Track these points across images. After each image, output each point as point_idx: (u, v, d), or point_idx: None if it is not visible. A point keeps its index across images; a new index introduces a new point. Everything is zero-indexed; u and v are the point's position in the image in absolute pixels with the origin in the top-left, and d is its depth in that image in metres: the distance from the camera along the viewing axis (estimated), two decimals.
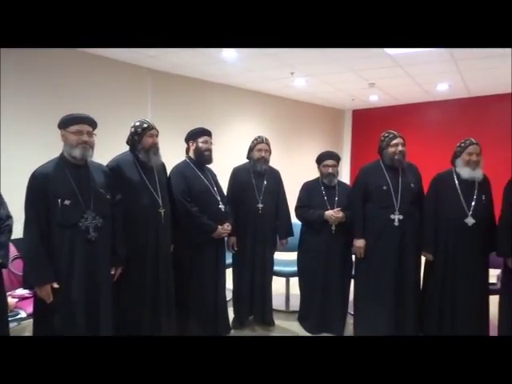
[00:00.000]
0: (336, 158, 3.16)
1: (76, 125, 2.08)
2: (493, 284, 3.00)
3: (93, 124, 2.16)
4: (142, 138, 2.44)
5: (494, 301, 2.86)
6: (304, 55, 4.19)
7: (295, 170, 5.82)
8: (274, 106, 6.64)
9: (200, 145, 2.83)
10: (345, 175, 7.93)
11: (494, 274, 3.02)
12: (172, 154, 2.89)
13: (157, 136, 2.50)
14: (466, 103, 6.62)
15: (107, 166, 2.38)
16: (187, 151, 2.94)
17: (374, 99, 6.91)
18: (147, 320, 2.42)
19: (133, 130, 2.48)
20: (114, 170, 2.37)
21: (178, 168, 2.84)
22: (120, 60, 4.41)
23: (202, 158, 2.85)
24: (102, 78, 4.29)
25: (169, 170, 2.79)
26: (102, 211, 2.14)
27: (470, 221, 2.72)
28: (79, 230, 2.05)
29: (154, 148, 2.47)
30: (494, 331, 2.86)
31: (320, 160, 3.17)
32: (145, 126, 2.46)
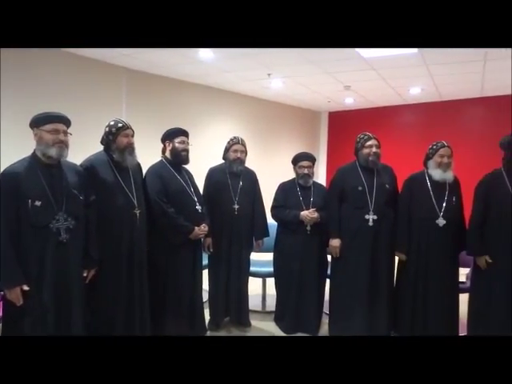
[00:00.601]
0: (311, 159, 3.19)
1: (51, 123, 2.03)
2: (462, 283, 3.08)
3: (68, 123, 2.11)
4: (116, 138, 2.40)
5: (463, 299, 2.95)
6: (280, 56, 4.22)
7: (272, 171, 5.85)
8: (251, 106, 6.65)
9: (177, 145, 2.80)
10: (321, 176, 8.03)
11: (463, 273, 3.10)
12: (148, 154, 2.86)
13: (132, 136, 2.46)
14: (438, 107, 6.82)
15: (81, 165, 2.32)
16: (163, 151, 2.91)
17: (350, 101, 7.03)
18: (121, 320, 2.38)
19: (107, 129, 2.43)
20: (88, 170, 2.32)
21: (153, 168, 2.80)
22: (93, 58, 4.32)
23: (178, 159, 2.82)
24: (75, 76, 4.20)
25: (144, 170, 2.76)
26: (74, 212, 2.08)
27: (440, 221, 2.79)
28: (50, 231, 1.99)
29: (130, 148, 2.42)
30: (463, 329, 2.95)
31: (296, 161, 3.20)
32: (120, 125, 2.42)
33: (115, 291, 2.35)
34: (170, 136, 2.82)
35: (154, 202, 2.66)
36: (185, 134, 2.85)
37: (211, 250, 3.01)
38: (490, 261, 2.67)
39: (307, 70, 4.80)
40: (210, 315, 3.18)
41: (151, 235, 2.65)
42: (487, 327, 2.72)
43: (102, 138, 2.46)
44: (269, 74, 5.06)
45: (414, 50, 3.91)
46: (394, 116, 7.38)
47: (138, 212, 2.44)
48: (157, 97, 5.14)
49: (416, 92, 6.09)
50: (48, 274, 1.99)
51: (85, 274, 2.20)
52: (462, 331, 2.97)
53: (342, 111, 7.97)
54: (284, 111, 7.39)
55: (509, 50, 3.83)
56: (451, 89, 5.87)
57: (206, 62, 4.52)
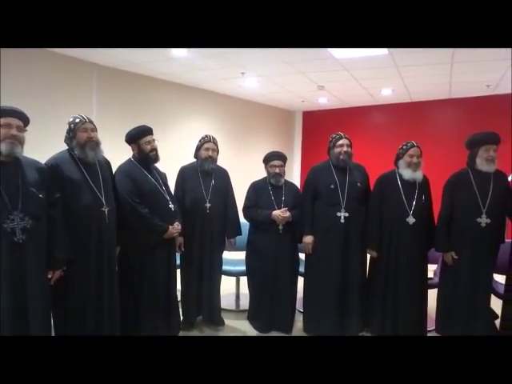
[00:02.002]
0: (283, 159, 3.19)
1: (4, 118, 1.94)
2: (430, 279, 3.17)
3: (24, 119, 2.03)
4: (76, 134, 2.33)
5: (431, 295, 3.03)
6: (254, 56, 4.21)
7: (247, 170, 5.84)
8: (225, 105, 6.62)
9: (143, 147, 2.72)
10: (295, 175, 8.09)
11: (431, 270, 3.19)
12: (119, 152, 2.79)
13: (93, 130, 2.37)
14: (409, 107, 6.97)
15: (45, 164, 2.24)
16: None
17: (323, 101, 7.10)
18: (91, 320, 2.33)
19: (67, 126, 2.37)
20: (53, 168, 2.24)
21: (122, 168, 2.73)
22: (62, 53, 4.19)
23: (148, 160, 2.75)
24: (42, 71, 4.06)
25: (115, 168, 2.70)
26: (31, 211, 1.98)
27: (410, 220, 2.85)
28: (4, 231, 1.89)
29: (91, 143, 2.34)
30: (431, 324, 3.03)
31: (267, 160, 3.20)
32: (77, 120, 2.35)
33: (84, 291, 2.30)
34: (134, 138, 2.74)
35: (126, 203, 2.61)
36: (149, 132, 2.76)
37: (183, 249, 2.97)
38: (456, 257, 2.75)
39: (281, 69, 4.82)
40: (183, 314, 3.15)
41: (125, 235, 2.60)
42: (454, 322, 2.81)
43: (65, 136, 2.39)
44: (242, 73, 5.05)
45: (384, 52, 3.98)
46: (366, 116, 7.50)
47: (106, 210, 2.38)
48: (129, 94, 5.04)
49: (387, 93, 6.21)
50: (3, 276, 1.90)
51: (49, 276, 2.12)
52: (430, 326, 3.05)
53: (315, 111, 8.04)
54: (259, 110, 7.39)
55: (475, 53, 3.96)
56: (421, 90, 6.02)
57: (180, 60, 4.46)
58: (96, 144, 2.37)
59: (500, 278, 2.90)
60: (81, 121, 2.35)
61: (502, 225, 2.81)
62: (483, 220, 2.69)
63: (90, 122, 2.39)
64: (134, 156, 2.80)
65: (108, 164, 2.57)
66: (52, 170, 2.22)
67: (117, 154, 2.73)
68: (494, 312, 2.86)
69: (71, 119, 2.37)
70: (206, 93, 6.22)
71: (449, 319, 2.86)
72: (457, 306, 2.80)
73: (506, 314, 2.65)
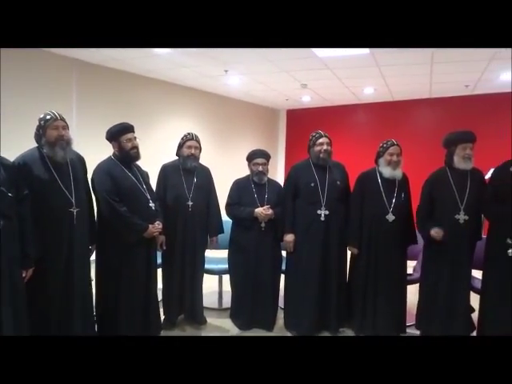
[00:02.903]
0: (266, 157, 3.20)
1: None
2: (410, 275, 3.23)
3: None
4: (46, 132, 2.28)
5: (410, 290, 3.09)
6: (237, 54, 4.21)
7: (231, 168, 5.84)
8: (209, 103, 6.60)
9: (124, 144, 2.69)
10: (280, 173, 8.11)
11: (411, 266, 3.24)
12: (100, 150, 2.76)
13: (64, 128, 2.32)
14: (390, 106, 7.07)
15: (13, 162, 2.18)
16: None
17: (307, 100, 7.14)
18: (58, 319, 2.31)
19: (38, 123, 2.31)
20: (20, 166, 2.19)
21: (102, 166, 2.69)
22: (41, 48, 4.10)
23: (128, 158, 2.72)
24: (20, 66, 3.97)
25: (95, 165, 2.67)
26: (2, 211, 1.94)
27: (390, 217, 2.90)
28: None
29: (61, 141, 2.29)
30: (410, 319, 3.09)
31: (250, 158, 3.20)
32: (48, 117, 2.29)
33: (55, 291, 2.28)
34: (114, 136, 2.70)
35: (105, 202, 2.58)
36: (130, 129, 2.72)
37: (164, 248, 2.96)
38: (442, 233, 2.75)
39: (264, 67, 4.82)
40: (165, 314, 3.13)
41: (103, 234, 2.57)
42: (434, 317, 2.86)
43: (35, 133, 2.33)
44: (226, 71, 5.04)
45: (366, 51, 4.03)
46: (349, 115, 7.58)
47: (75, 211, 2.34)
48: (110, 91, 4.98)
49: (370, 92, 6.28)
50: None
51: (23, 275, 2.08)
52: (410, 321, 3.11)
53: (299, 109, 8.09)
54: (243, 108, 7.39)
55: (454, 53, 4.04)
56: (402, 89, 6.11)
57: (162, 57, 4.42)
58: (66, 143, 2.31)
59: (477, 273, 2.97)
60: (52, 118, 2.28)
61: (478, 222, 2.88)
62: (461, 217, 2.75)
63: (62, 119, 2.32)
64: (114, 154, 2.76)
65: (82, 162, 2.53)
66: (20, 169, 2.17)
67: (97, 151, 2.70)
68: (471, 306, 2.93)
69: (42, 115, 2.31)
70: (190, 90, 6.18)
71: (429, 315, 2.91)
72: (436, 301, 2.85)
73: None
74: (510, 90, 5.76)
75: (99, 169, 2.68)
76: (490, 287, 2.70)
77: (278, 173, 8.05)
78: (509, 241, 2.48)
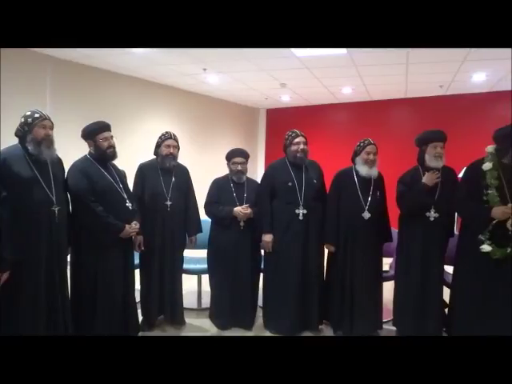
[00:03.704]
0: (245, 156, 3.20)
1: None
2: (386, 271, 3.29)
3: None
4: (32, 129, 2.26)
5: (387, 287, 3.14)
6: (215, 52, 4.18)
7: (210, 167, 5.82)
8: (188, 101, 6.54)
9: (100, 143, 2.65)
10: (259, 172, 8.12)
11: (387, 263, 3.31)
12: (74, 149, 2.71)
13: (51, 128, 2.33)
14: (368, 106, 7.17)
15: None
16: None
17: (286, 99, 7.17)
18: (42, 320, 2.27)
19: (23, 120, 2.28)
20: (0, 164, 2.15)
21: (78, 165, 2.65)
22: None
23: (105, 157, 2.69)
24: None
25: (69, 165, 2.62)
26: None
27: (366, 215, 2.95)
28: None
29: (47, 140, 2.29)
30: (386, 315, 3.15)
31: (229, 157, 3.20)
32: (36, 115, 2.28)
33: (34, 291, 2.23)
34: (90, 135, 2.67)
35: (81, 202, 2.54)
36: (106, 128, 2.69)
37: (142, 248, 2.93)
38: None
39: (243, 66, 4.82)
40: (143, 315, 3.10)
41: (78, 234, 2.54)
42: (409, 313, 2.93)
43: (17, 129, 2.31)
44: (204, 69, 5.01)
45: (343, 51, 4.07)
46: (328, 114, 7.65)
47: (56, 209, 2.32)
48: (86, 88, 4.88)
49: (348, 91, 6.35)
50: None
51: None
52: (387, 317, 3.18)
53: (279, 108, 8.11)
54: (222, 107, 7.37)
55: (428, 54, 4.13)
56: (379, 89, 6.20)
57: (138, 54, 4.36)
58: (51, 143, 2.32)
59: (449, 269, 3.05)
60: (41, 116, 2.29)
61: (451, 219, 2.95)
62: (432, 214, 2.81)
63: (49, 119, 2.33)
64: (90, 153, 2.72)
65: (60, 162, 2.51)
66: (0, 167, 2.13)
67: (72, 151, 2.65)
68: (444, 301, 3.00)
69: (29, 113, 2.29)
70: (168, 88, 6.12)
71: (404, 310, 2.98)
72: (411, 297, 2.92)
73: None
74: (482, 91, 5.94)
75: (74, 168, 2.63)
76: (461, 282, 2.78)
77: (257, 172, 8.06)
78: (481, 237, 2.56)
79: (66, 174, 2.59)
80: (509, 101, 5.83)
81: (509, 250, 2.49)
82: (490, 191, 2.53)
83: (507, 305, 2.55)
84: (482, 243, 2.54)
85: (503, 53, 4.01)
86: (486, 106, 6.08)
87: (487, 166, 2.58)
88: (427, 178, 2.81)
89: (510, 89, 5.74)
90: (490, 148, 2.64)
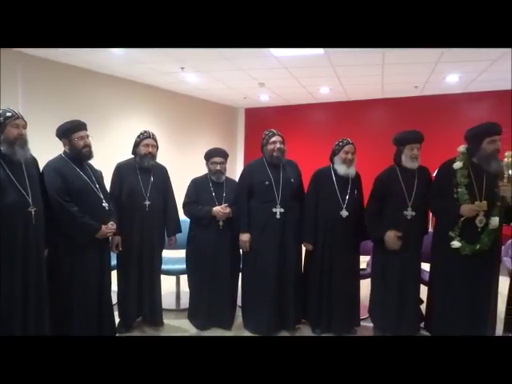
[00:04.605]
0: (224, 155, 3.19)
1: None
2: (363, 269, 3.34)
3: None
4: (5, 129, 2.20)
5: (365, 285, 3.20)
6: (193, 51, 4.16)
7: (190, 167, 5.77)
8: (167, 100, 6.48)
9: (75, 142, 2.61)
10: (239, 172, 8.09)
11: (364, 260, 3.36)
12: (48, 149, 2.64)
13: (24, 127, 2.27)
14: (346, 106, 7.26)
15: None
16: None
17: (265, 99, 7.19)
18: (18, 320, 2.22)
19: None
20: None
21: (52, 164, 2.60)
22: None
23: (80, 156, 2.64)
24: None
25: (43, 165, 2.55)
26: None
27: (344, 213, 2.98)
28: None
29: (20, 140, 2.23)
30: (364, 312, 3.21)
31: (208, 157, 3.19)
32: (8, 114, 2.22)
33: (10, 291, 2.18)
34: (66, 133, 2.62)
35: (55, 202, 2.49)
36: (83, 127, 2.65)
37: (120, 249, 2.88)
38: (400, 234, 2.84)
39: (221, 65, 4.80)
40: (120, 317, 3.05)
41: (54, 235, 2.48)
42: (386, 310, 2.98)
43: None
44: (182, 68, 4.97)
45: (321, 51, 4.11)
46: (306, 114, 7.70)
47: (33, 210, 2.26)
48: (60, 87, 4.76)
49: (325, 91, 6.42)
50: None
51: None
52: (364, 314, 3.23)
53: (258, 108, 8.13)
54: (201, 106, 7.33)
55: (404, 55, 4.21)
56: (356, 90, 6.29)
57: (115, 52, 4.29)
58: (25, 142, 2.26)
59: (426, 267, 3.12)
60: (13, 115, 2.23)
61: (425, 217, 3.03)
62: (409, 213, 2.87)
63: (22, 118, 2.27)
64: (65, 152, 2.67)
65: (34, 161, 2.45)
66: None
67: (46, 149, 2.58)
68: (420, 298, 3.07)
69: (1, 111, 2.23)
70: (147, 87, 6.05)
71: (381, 308, 3.03)
72: (387, 294, 2.97)
73: None
74: (455, 92, 6.10)
75: (48, 167, 2.58)
76: (437, 278, 2.85)
77: (236, 171, 8.05)
78: (451, 234, 2.64)
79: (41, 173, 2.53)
80: (481, 101, 6.02)
81: (478, 246, 2.58)
82: (459, 189, 2.62)
83: (477, 300, 2.63)
84: (452, 239, 2.62)
85: (475, 55, 4.14)
86: (459, 107, 6.26)
87: (458, 165, 2.67)
88: (390, 238, 2.84)
89: (482, 90, 5.93)
90: (462, 148, 2.72)
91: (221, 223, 3.08)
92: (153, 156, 3.04)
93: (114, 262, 3.01)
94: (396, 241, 2.84)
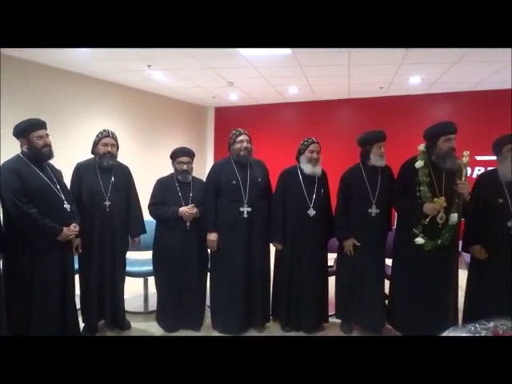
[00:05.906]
0: (190, 155, 3.16)
1: None
2: (331, 267, 3.39)
3: None
4: None
5: (331, 281, 3.25)
6: (160, 49, 4.08)
7: (158, 167, 5.67)
8: (133, 99, 6.34)
9: (34, 142, 2.51)
10: (208, 171, 8.05)
11: (332, 258, 3.41)
12: (6, 148, 2.53)
13: None
14: (314, 106, 7.34)
15: None
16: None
17: (234, 98, 7.16)
18: None
19: None
20: None
21: (8, 165, 2.49)
22: None
23: (40, 156, 2.55)
24: None
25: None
26: None
27: (311, 212, 3.02)
28: None
29: None
30: (332, 308, 3.26)
31: (174, 156, 3.14)
32: None
33: None
34: (24, 132, 2.51)
35: (12, 204, 2.39)
36: (42, 125, 2.56)
37: (80, 251, 2.80)
38: (359, 244, 2.95)
39: (188, 64, 4.74)
40: (84, 321, 2.97)
41: (11, 238, 2.40)
42: (351, 305, 3.05)
43: None
44: (149, 66, 4.88)
45: (288, 51, 4.13)
46: (276, 113, 7.73)
47: None
48: (19, 83, 4.57)
49: (294, 91, 6.46)
50: None
51: None
52: (332, 310, 3.28)
53: (227, 107, 8.09)
54: (169, 105, 7.22)
55: (368, 56, 4.30)
56: (323, 90, 6.37)
57: (78, 48, 4.15)
58: None
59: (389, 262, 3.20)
60: None
61: (388, 214, 3.11)
62: (373, 210, 2.94)
63: None
64: (23, 152, 2.56)
65: None
66: None
67: (3, 149, 2.47)
68: (385, 294, 3.15)
69: None
70: (112, 85, 5.89)
71: (346, 304, 3.09)
72: (353, 290, 3.04)
73: None
74: (418, 93, 6.29)
75: (4, 168, 2.47)
76: (398, 274, 2.93)
77: (206, 171, 7.93)
78: (415, 230, 2.72)
79: None
80: (442, 103, 6.24)
81: (439, 241, 2.68)
82: (422, 188, 2.70)
83: (438, 293, 2.73)
84: (416, 236, 2.71)
85: (437, 57, 4.27)
86: (422, 108, 6.44)
87: (419, 164, 2.76)
88: (347, 246, 2.98)
89: (443, 91, 6.15)
90: (422, 146, 2.81)
91: (188, 224, 3.04)
92: (112, 155, 2.96)
93: (76, 265, 2.92)
94: (352, 247, 2.97)
